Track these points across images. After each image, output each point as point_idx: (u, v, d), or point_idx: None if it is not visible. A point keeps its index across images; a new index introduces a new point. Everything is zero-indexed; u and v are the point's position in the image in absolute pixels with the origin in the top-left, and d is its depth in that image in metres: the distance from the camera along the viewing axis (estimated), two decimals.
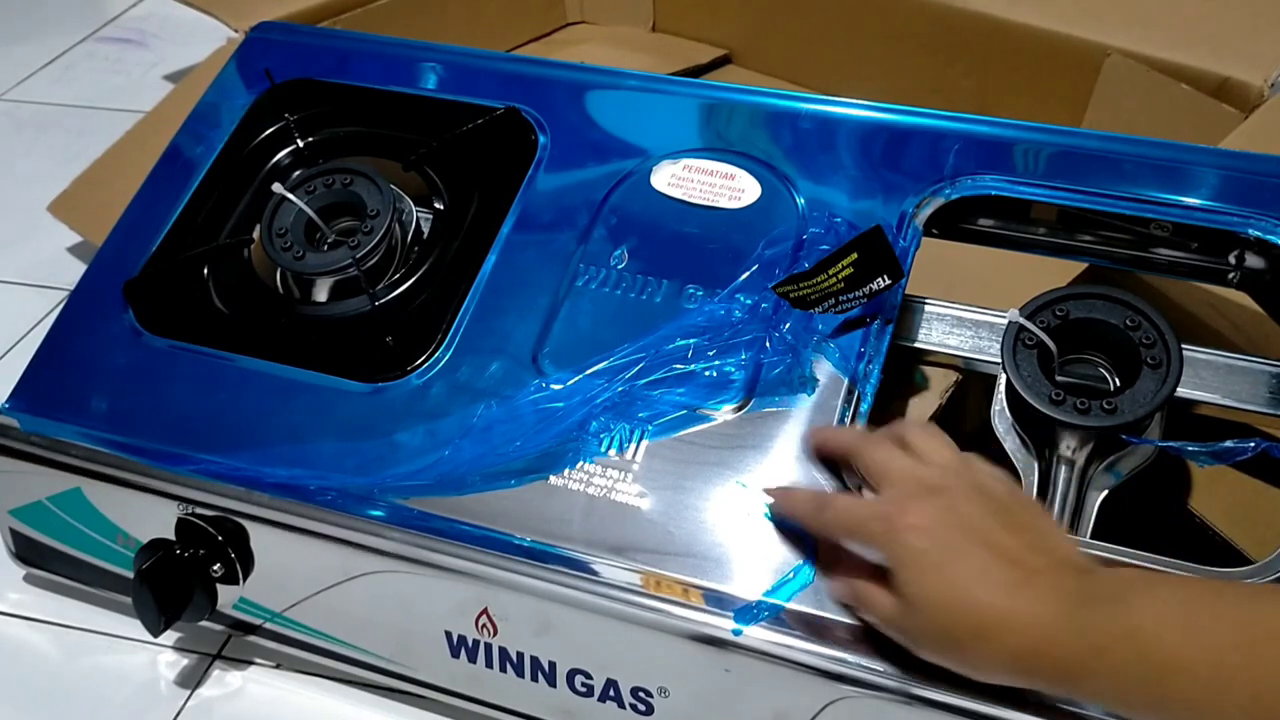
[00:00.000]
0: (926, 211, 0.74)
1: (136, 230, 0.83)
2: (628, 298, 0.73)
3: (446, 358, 0.73)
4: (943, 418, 0.74)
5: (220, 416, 0.74)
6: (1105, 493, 0.68)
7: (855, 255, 0.67)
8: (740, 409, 0.68)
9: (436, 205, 0.84)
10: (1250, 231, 0.71)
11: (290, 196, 0.81)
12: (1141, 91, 0.98)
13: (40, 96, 1.47)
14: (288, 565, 0.72)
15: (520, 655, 0.68)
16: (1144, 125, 0.97)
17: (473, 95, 0.86)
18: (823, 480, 0.65)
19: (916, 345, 0.74)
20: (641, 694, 0.66)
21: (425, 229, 0.84)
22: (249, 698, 0.78)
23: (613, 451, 0.67)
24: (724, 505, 0.65)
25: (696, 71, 1.27)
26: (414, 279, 0.79)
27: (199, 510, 0.72)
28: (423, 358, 0.73)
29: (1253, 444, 0.63)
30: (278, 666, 0.79)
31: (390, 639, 0.72)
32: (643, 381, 0.69)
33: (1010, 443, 0.70)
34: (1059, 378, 0.68)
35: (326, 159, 0.87)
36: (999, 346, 0.69)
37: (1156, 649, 0.49)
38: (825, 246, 0.72)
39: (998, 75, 1.08)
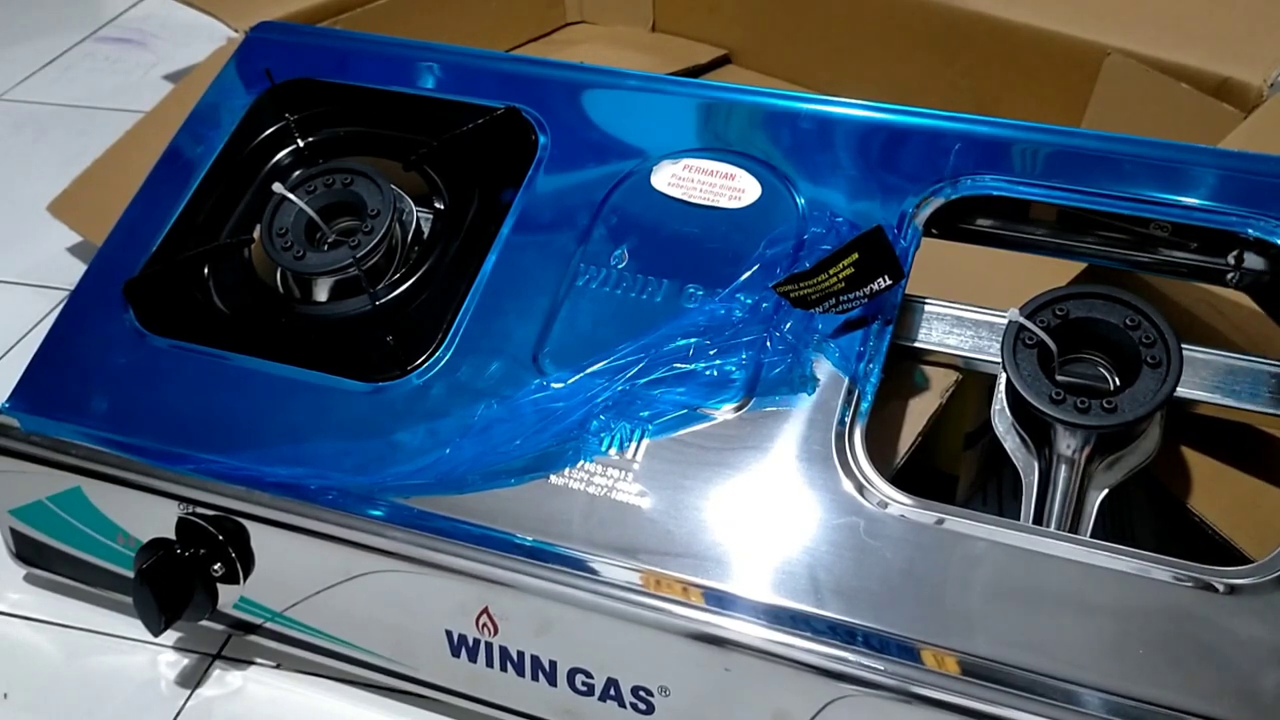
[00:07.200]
0: (926, 212, 0.74)
1: (136, 230, 0.84)
2: (628, 297, 0.73)
3: (447, 357, 0.73)
4: (943, 418, 0.74)
5: (221, 416, 0.74)
6: (1105, 492, 0.68)
7: (856, 255, 0.67)
8: (741, 408, 0.68)
9: (436, 205, 0.84)
10: (1250, 231, 0.71)
11: (290, 196, 0.81)
12: (1141, 91, 0.98)
13: (40, 96, 1.47)
14: (288, 565, 0.72)
15: (521, 654, 0.68)
16: (1144, 125, 0.97)
17: (473, 95, 0.86)
18: (822, 479, 0.65)
19: (916, 345, 0.74)
20: (642, 693, 0.66)
21: (425, 229, 0.84)
22: (249, 698, 0.78)
23: (613, 451, 0.67)
24: (724, 505, 0.65)
25: (696, 71, 1.27)
26: (414, 279, 0.79)
27: (199, 510, 0.72)
28: (423, 358, 0.73)
29: None
30: (278, 666, 0.79)
31: (390, 638, 0.72)
32: (643, 381, 0.69)
33: (1010, 443, 0.70)
34: (1059, 377, 0.68)
35: (327, 159, 0.87)
36: (999, 346, 0.69)
37: None
38: (826, 246, 0.72)
39: (997, 75, 1.08)
